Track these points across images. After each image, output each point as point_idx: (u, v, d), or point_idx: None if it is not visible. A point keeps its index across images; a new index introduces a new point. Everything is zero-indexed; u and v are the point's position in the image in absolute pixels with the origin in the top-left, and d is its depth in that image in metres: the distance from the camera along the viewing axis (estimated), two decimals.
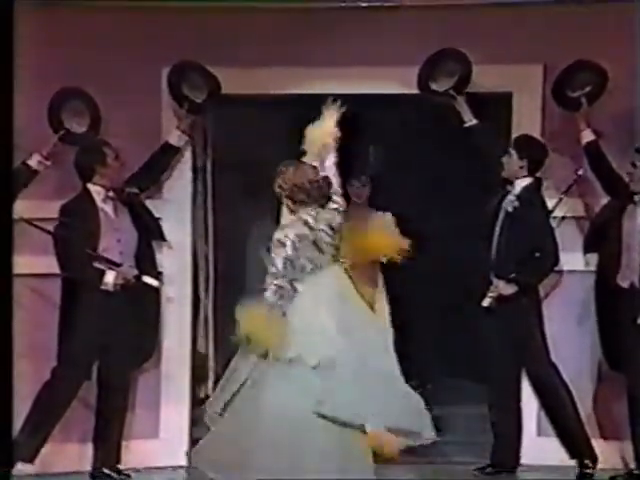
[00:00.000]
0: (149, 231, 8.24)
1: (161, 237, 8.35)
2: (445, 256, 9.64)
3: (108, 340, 7.92)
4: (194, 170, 8.72)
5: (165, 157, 8.45)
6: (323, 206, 7.01)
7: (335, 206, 6.99)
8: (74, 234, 7.92)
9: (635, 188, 7.84)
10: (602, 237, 7.96)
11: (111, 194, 7.91)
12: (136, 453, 8.15)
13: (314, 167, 7.09)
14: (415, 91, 8.46)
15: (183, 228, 8.62)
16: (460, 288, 8.94)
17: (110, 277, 7.76)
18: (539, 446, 8.14)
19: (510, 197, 7.96)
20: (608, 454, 7.95)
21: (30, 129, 8.01)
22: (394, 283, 9.32)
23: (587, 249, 8.14)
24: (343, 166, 7.54)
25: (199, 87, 8.51)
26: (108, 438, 7.98)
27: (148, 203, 8.41)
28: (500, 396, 8.01)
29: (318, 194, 6.91)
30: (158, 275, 8.28)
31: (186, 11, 8.51)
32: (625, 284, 7.68)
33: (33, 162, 8.09)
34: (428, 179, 9.95)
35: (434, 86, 8.40)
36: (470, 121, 8.07)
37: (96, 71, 8.44)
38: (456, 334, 9.93)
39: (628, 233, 7.73)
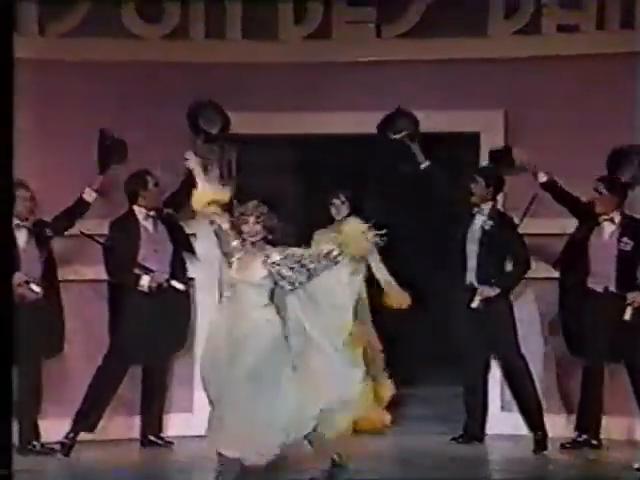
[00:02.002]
0: (182, 244, 8.37)
1: (191, 250, 8.47)
2: (427, 270, 9.58)
3: (149, 332, 8.06)
4: None
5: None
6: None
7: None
8: (119, 245, 8.14)
9: (600, 211, 7.89)
10: (575, 252, 8.05)
11: (152, 213, 8.14)
12: (175, 424, 8.36)
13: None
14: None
15: (211, 242, 8.15)
16: (442, 293, 8.89)
17: (145, 281, 8.03)
18: (502, 419, 8.34)
19: (482, 217, 8.06)
20: (560, 426, 8.20)
21: (78, 166, 8.26)
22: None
23: (561, 262, 8.22)
24: (325, 189, 8.09)
25: (213, 121, 8.40)
26: (152, 411, 8.20)
27: (183, 223, 8.49)
28: (471, 379, 8.21)
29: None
30: (190, 281, 8.43)
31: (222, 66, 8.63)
32: (599, 288, 7.87)
33: (87, 196, 8.19)
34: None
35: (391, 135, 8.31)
36: (423, 162, 8.17)
37: (134, 114, 8.54)
38: (439, 331, 9.64)
39: (595, 248, 7.91)
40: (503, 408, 8.44)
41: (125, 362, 8.08)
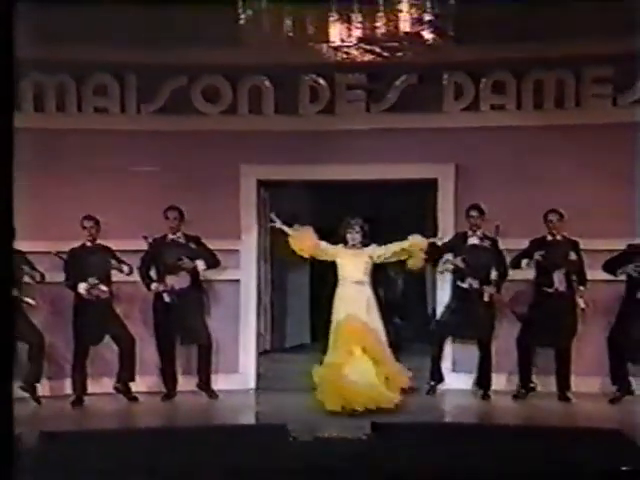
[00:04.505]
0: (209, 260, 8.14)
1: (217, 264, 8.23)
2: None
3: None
4: (259, 222, 8.87)
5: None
6: None
7: None
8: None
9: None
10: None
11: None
12: (225, 381, 8.48)
13: None
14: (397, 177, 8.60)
15: (252, 254, 8.85)
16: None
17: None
18: (453, 377, 8.48)
19: (476, 238, 8.01)
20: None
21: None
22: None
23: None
24: (342, 220, 7.64)
25: None
26: (203, 371, 8.20)
27: (231, 242, 8.54)
28: (436, 352, 8.27)
29: None
30: (237, 281, 8.62)
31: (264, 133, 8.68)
32: (553, 289, 7.86)
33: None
34: None
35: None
36: None
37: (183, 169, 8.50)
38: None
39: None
40: (453, 369, 8.55)
41: (171, 342, 8.15)
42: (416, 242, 7.61)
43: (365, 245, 7.72)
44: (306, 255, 7.63)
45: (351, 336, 7.30)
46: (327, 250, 7.68)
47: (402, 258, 7.70)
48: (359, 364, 7.21)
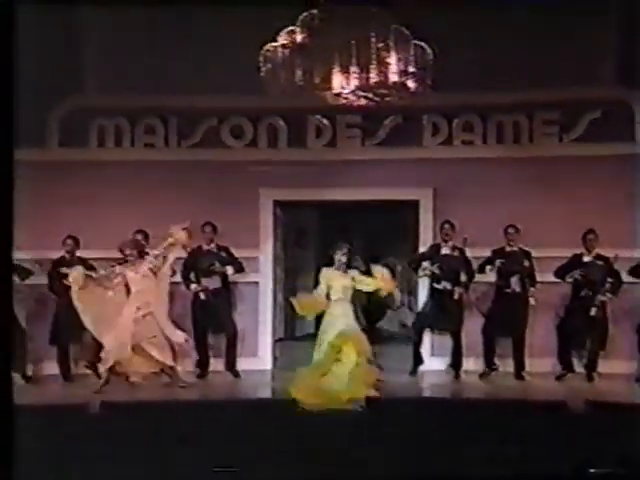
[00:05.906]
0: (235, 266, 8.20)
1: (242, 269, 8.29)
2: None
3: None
4: (274, 235, 8.85)
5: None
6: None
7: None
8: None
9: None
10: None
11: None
12: (246, 363, 8.43)
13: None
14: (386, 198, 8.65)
15: (268, 261, 8.82)
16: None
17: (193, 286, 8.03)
18: (431, 361, 8.50)
19: (448, 248, 8.00)
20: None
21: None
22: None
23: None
24: (331, 244, 7.15)
25: None
26: (230, 355, 8.18)
27: (252, 251, 8.51)
28: (417, 340, 8.25)
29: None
30: (257, 283, 8.69)
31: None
32: (510, 290, 7.91)
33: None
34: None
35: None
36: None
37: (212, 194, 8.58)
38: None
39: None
40: (432, 354, 8.60)
41: (204, 334, 8.13)
42: (378, 275, 6.91)
43: (349, 266, 7.21)
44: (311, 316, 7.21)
45: (331, 341, 6.84)
46: (323, 292, 6.98)
47: (372, 290, 7.08)
48: (335, 366, 6.75)
